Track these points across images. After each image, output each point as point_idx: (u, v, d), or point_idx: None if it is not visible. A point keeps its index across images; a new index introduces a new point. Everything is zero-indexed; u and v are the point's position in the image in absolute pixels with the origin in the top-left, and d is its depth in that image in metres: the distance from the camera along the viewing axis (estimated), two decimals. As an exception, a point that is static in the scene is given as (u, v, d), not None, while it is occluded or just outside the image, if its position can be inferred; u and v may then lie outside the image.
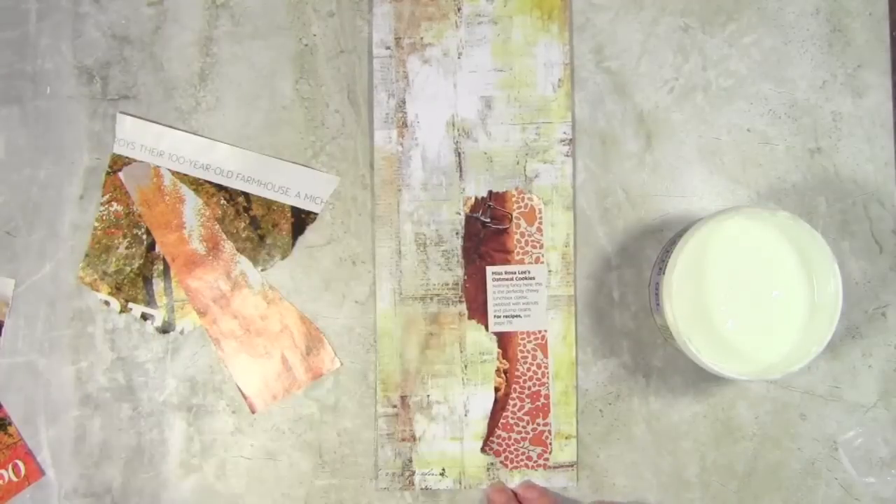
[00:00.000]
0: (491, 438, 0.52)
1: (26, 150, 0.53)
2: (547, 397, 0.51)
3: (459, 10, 0.52)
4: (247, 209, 0.53)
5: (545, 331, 0.52)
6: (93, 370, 0.52)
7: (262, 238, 0.53)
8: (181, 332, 0.53)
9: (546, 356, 0.52)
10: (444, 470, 0.52)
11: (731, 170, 0.52)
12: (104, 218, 0.53)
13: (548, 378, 0.52)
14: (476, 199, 0.52)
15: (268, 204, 0.53)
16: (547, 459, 0.51)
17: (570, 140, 0.52)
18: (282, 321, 0.53)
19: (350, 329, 0.52)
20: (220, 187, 0.53)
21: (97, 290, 0.53)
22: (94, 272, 0.53)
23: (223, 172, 0.53)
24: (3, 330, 0.52)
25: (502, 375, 0.52)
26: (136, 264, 0.53)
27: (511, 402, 0.52)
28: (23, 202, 0.53)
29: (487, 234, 0.52)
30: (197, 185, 0.53)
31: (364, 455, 0.52)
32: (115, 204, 0.53)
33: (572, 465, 0.51)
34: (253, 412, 0.52)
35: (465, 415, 0.52)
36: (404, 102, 0.52)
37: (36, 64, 0.53)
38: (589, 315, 0.52)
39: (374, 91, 0.53)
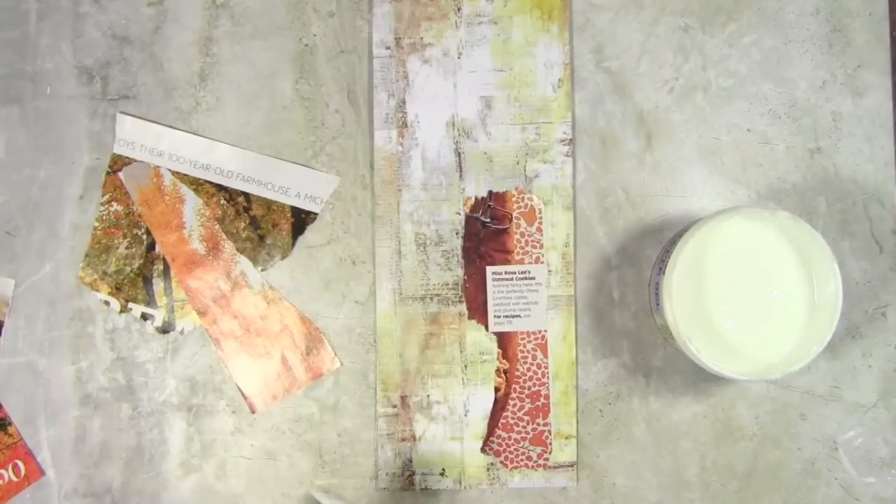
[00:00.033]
0: (491, 438, 0.52)
1: (26, 150, 0.53)
2: (547, 397, 0.51)
3: (459, 10, 0.53)
4: (247, 209, 0.53)
5: (545, 331, 0.52)
6: (93, 370, 0.52)
7: (262, 238, 0.53)
8: (181, 332, 0.53)
9: (546, 356, 0.52)
10: (444, 470, 0.52)
11: (731, 170, 0.52)
12: (104, 218, 0.53)
13: (548, 378, 0.52)
14: (476, 199, 0.52)
15: (268, 204, 0.53)
16: (547, 459, 0.51)
17: (570, 140, 0.52)
18: (282, 321, 0.53)
19: (350, 329, 0.52)
20: (220, 187, 0.53)
21: (97, 290, 0.53)
22: (94, 272, 0.53)
23: (223, 172, 0.53)
24: (3, 330, 0.53)
25: (502, 375, 0.52)
26: (136, 264, 0.53)
27: (511, 402, 0.52)
28: (23, 202, 0.53)
29: (487, 234, 0.52)
30: (197, 185, 0.53)
31: (364, 455, 0.52)
32: (115, 204, 0.53)
33: (572, 465, 0.51)
34: (253, 412, 0.52)
35: (465, 415, 0.52)
36: (404, 102, 0.52)
37: (36, 64, 0.53)
38: (589, 315, 0.52)
39: (374, 91, 0.53)
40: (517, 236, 0.52)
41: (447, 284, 0.52)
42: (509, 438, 0.52)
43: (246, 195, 0.53)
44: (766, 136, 0.52)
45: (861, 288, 0.51)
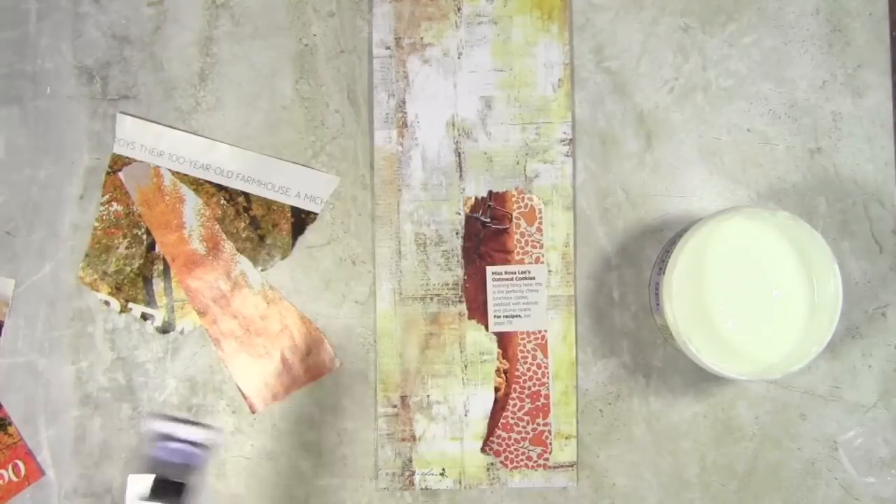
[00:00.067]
0: (491, 438, 0.52)
1: (26, 150, 0.53)
2: (547, 397, 0.51)
3: (459, 10, 0.53)
4: (247, 209, 0.53)
5: (545, 331, 0.52)
6: (93, 370, 0.52)
7: (262, 238, 0.53)
8: (181, 332, 0.53)
9: (546, 356, 0.52)
10: (444, 470, 0.52)
11: (731, 170, 0.52)
12: (104, 218, 0.53)
13: (548, 378, 0.52)
14: (476, 199, 0.52)
15: (268, 204, 0.53)
16: (547, 459, 0.51)
17: (570, 140, 0.52)
18: (282, 321, 0.53)
19: (350, 329, 0.52)
20: (220, 187, 0.53)
21: (97, 290, 0.53)
22: (94, 272, 0.53)
23: (223, 172, 0.53)
24: (3, 330, 0.53)
25: (502, 375, 0.52)
26: (136, 264, 0.53)
27: (511, 402, 0.52)
28: (23, 202, 0.53)
29: (487, 234, 0.52)
30: (197, 185, 0.53)
31: (364, 455, 0.52)
32: (115, 204, 0.53)
33: (572, 465, 0.51)
34: (253, 412, 0.52)
35: (465, 415, 0.52)
36: (404, 102, 0.52)
37: (36, 64, 0.53)
38: (589, 315, 0.52)
39: (374, 91, 0.53)
40: (517, 236, 0.52)
41: (447, 284, 0.52)
42: (509, 438, 0.52)
43: (246, 195, 0.53)
44: (766, 136, 0.52)
45: (861, 288, 0.51)
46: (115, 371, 0.52)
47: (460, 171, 0.52)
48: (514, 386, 0.52)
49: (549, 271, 0.52)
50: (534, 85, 0.52)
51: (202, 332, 0.53)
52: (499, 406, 0.52)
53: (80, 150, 0.53)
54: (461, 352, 0.52)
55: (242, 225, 0.53)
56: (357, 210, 0.53)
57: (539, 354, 0.52)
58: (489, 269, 0.52)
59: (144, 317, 0.53)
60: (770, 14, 0.52)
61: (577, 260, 0.52)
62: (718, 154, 0.52)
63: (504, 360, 0.52)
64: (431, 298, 0.52)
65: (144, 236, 0.53)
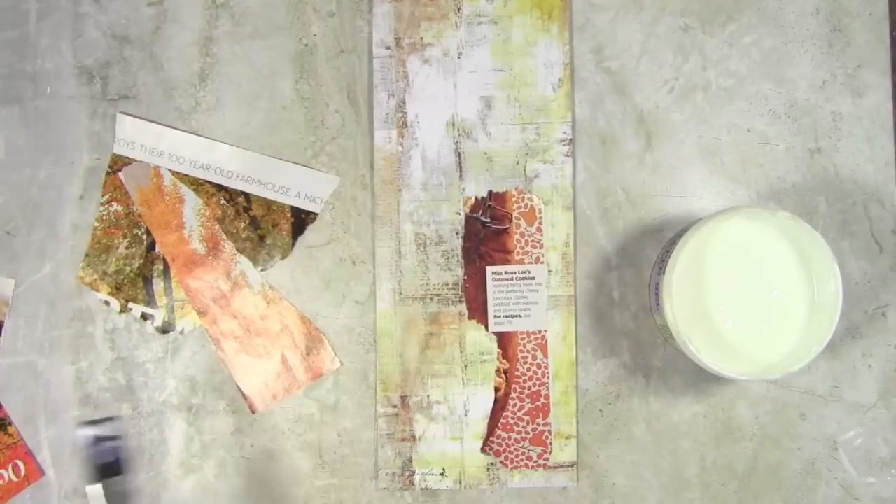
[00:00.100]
0: (491, 438, 0.52)
1: (26, 150, 0.53)
2: (547, 397, 0.51)
3: (459, 10, 0.53)
4: (247, 209, 0.53)
5: (545, 331, 0.52)
6: (93, 370, 0.52)
7: (262, 238, 0.53)
8: (181, 332, 0.53)
9: (546, 356, 0.52)
10: (444, 470, 0.52)
11: (731, 170, 0.52)
12: (104, 218, 0.53)
13: (548, 378, 0.52)
14: (476, 199, 0.52)
15: (268, 204, 0.53)
16: (547, 459, 0.51)
17: (570, 140, 0.52)
18: (282, 321, 0.53)
19: (350, 329, 0.52)
20: (220, 187, 0.53)
21: (97, 290, 0.53)
22: (94, 272, 0.53)
23: (223, 172, 0.53)
24: (3, 330, 0.53)
25: (502, 375, 0.52)
26: (136, 264, 0.53)
27: (511, 402, 0.52)
28: (23, 202, 0.53)
29: (487, 234, 0.52)
30: (197, 185, 0.53)
31: (364, 455, 0.52)
32: (115, 204, 0.53)
33: (572, 465, 0.51)
34: (253, 412, 0.52)
35: (465, 415, 0.52)
36: (404, 102, 0.52)
37: (36, 64, 0.53)
38: (589, 315, 0.52)
39: (374, 91, 0.53)
40: (517, 236, 0.52)
41: (447, 284, 0.52)
42: (509, 438, 0.52)
43: (246, 195, 0.53)
44: (766, 136, 0.52)
45: (861, 288, 0.51)
46: (115, 371, 0.52)
47: (460, 171, 0.52)
48: (514, 386, 0.52)
49: (549, 271, 0.52)
50: (534, 85, 0.52)
51: (202, 332, 0.53)
52: (499, 406, 0.52)
53: (80, 150, 0.53)
54: (461, 352, 0.52)
55: (242, 225, 0.53)
56: (357, 210, 0.53)
57: (539, 354, 0.52)
58: (489, 269, 0.52)
59: (144, 317, 0.53)
60: (770, 14, 0.52)
61: (577, 260, 0.52)
62: (718, 154, 0.52)
63: (504, 360, 0.52)
64: (431, 298, 0.52)
65: (144, 236, 0.53)
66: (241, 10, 0.53)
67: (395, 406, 0.52)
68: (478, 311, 0.52)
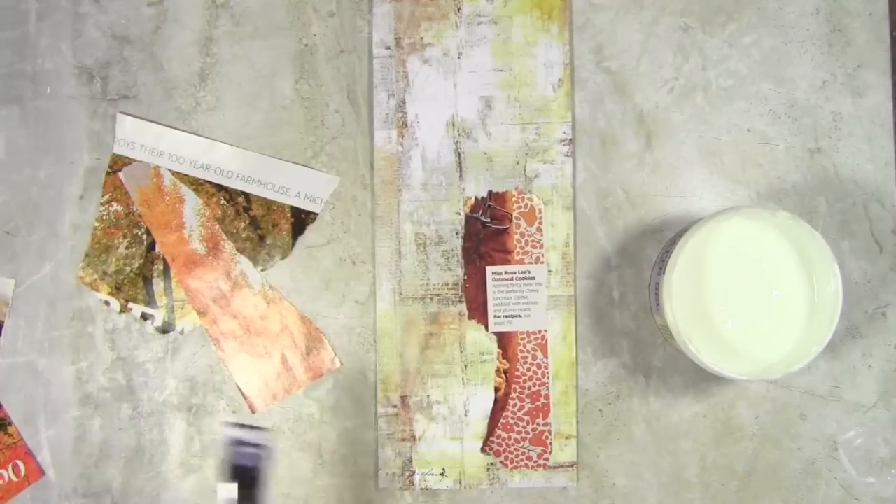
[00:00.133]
0: (491, 438, 0.52)
1: (26, 150, 0.53)
2: (547, 397, 0.51)
3: (459, 10, 0.53)
4: (247, 209, 0.53)
5: (545, 331, 0.52)
6: (93, 370, 0.52)
7: (262, 238, 0.53)
8: (181, 332, 0.53)
9: (546, 356, 0.52)
10: (444, 470, 0.52)
11: (731, 170, 0.52)
12: (104, 218, 0.53)
13: (548, 378, 0.52)
14: (476, 199, 0.52)
15: (268, 204, 0.53)
16: (547, 459, 0.51)
17: (570, 140, 0.52)
18: (282, 321, 0.53)
19: (350, 329, 0.52)
20: (220, 187, 0.53)
21: (97, 290, 0.53)
22: (94, 272, 0.53)
23: (223, 172, 0.53)
24: (3, 330, 0.53)
25: (502, 375, 0.52)
26: (136, 264, 0.53)
27: (511, 402, 0.52)
28: (23, 202, 0.53)
29: (487, 234, 0.52)
30: (197, 185, 0.53)
31: (364, 455, 0.52)
32: (115, 204, 0.53)
33: (572, 465, 0.51)
34: (253, 412, 0.52)
35: (465, 415, 0.52)
36: (404, 102, 0.52)
37: (36, 64, 0.53)
38: (589, 315, 0.52)
39: (374, 91, 0.53)
40: (517, 236, 0.52)
41: (447, 284, 0.52)
42: (509, 438, 0.52)
43: (246, 195, 0.53)
44: (766, 136, 0.52)
45: (861, 288, 0.51)
46: (115, 371, 0.52)
47: (460, 171, 0.52)
48: (514, 386, 0.52)
49: (549, 271, 0.52)
50: (534, 85, 0.52)
51: (202, 332, 0.53)
52: (499, 406, 0.52)
53: (80, 150, 0.53)
54: (461, 352, 0.52)
55: (242, 225, 0.53)
56: (357, 210, 0.53)
57: (539, 354, 0.52)
58: (489, 269, 0.52)
59: (144, 317, 0.53)
60: (770, 14, 0.52)
61: (577, 260, 0.52)
62: (718, 154, 0.52)
63: (504, 360, 0.52)
64: (431, 298, 0.52)
65: (144, 236, 0.53)
66: (241, 10, 0.53)
67: (395, 406, 0.52)
68: (478, 311, 0.52)
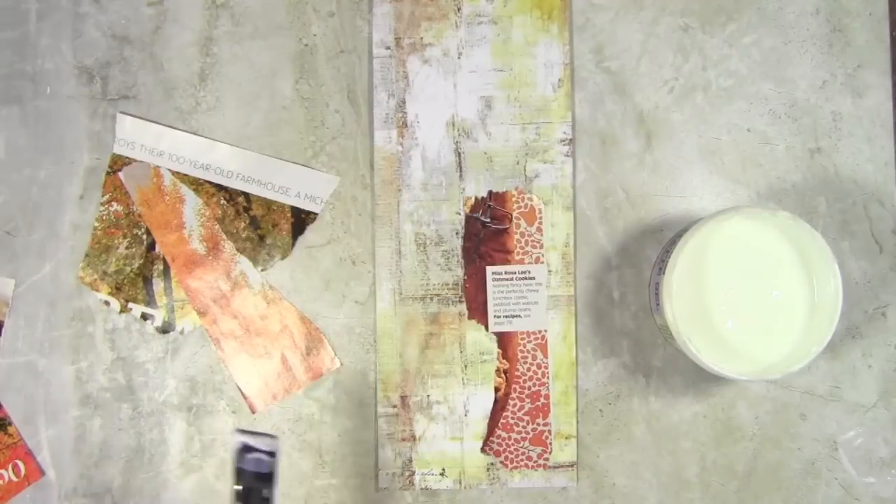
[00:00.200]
0: (491, 438, 0.52)
1: (26, 150, 0.53)
2: (547, 397, 0.51)
3: (459, 10, 0.53)
4: (247, 209, 0.53)
5: (545, 331, 0.52)
6: (93, 370, 0.52)
7: (262, 238, 0.53)
8: (181, 332, 0.53)
9: (546, 356, 0.52)
10: (444, 470, 0.52)
11: (731, 170, 0.52)
12: (104, 218, 0.53)
13: (548, 378, 0.52)
14: (476, 199, 0.52)
15: (268, 204, 0.53)
16: (547, 459, 0.51)
17: (570, 140, 0.52)
18: (282, 321, 0.53)
19: (350, 329, 0.52)
20: (220, 187, 0.53)
21: (97, 290, 0.53)
22: (94, 272, 0.53)
23: (223, 172, 0.53)
24: (3, 330, 0.53)
25: (502, 375, 0.52)
26: (136, 264, 0.53)
27: (511, 402, 0.52)
28: (23, 202, 0.53)
29: (487, 234, 0.52)
30: (197, 185, 0.53)
31: (364, 455, 0.52)
32: (115, 204, 0.53)
33: (572, 465, 0.51)
34: (253, 412, 0.52)
35: (465, 415, 0.52)
36: (404, 102, 0.52)
37: (36, 64, 0.53)
38: (589, 315, 0.52)
39: (374, 91, 0.53)
40: (517, 236, 0.52)
41: (447, 284, 0.52)
42: (509, 438, 0.52)
43: (246, 195, 0.53)
44: (766, 136, 0.52)
45: (861, 288, 0.51)
46: (115, 371, 0.52)
47: (460, 171, 0.52)
48: (514, 386, 0.52)
49: (549, 271, 0.52)
50: (534, 85, 0.52)
51: (202, 332, 0.53)
52: (499, 406, 0.52)
53: (80, 150, 0.53)
54: (461, 352, 0.52)
55: (242, 225, 0.53)
56: (357, 210, 0.53)
57: (539, 354, 0.52)
58: (489, 269, 0.52)
59: (144, 317, 0.53)
60: (770, 14, 0.52)
61: (577, 260, 0.52)
62: (718, 154, 0.52)
63: (504, 360, 0.52)
64: (431, 298, 0.52)
65: (144, 236, 0.53)
66: (241, 10, 0.53)
67: (395, 406, 0.52)
68: (478, 311, 0.52)
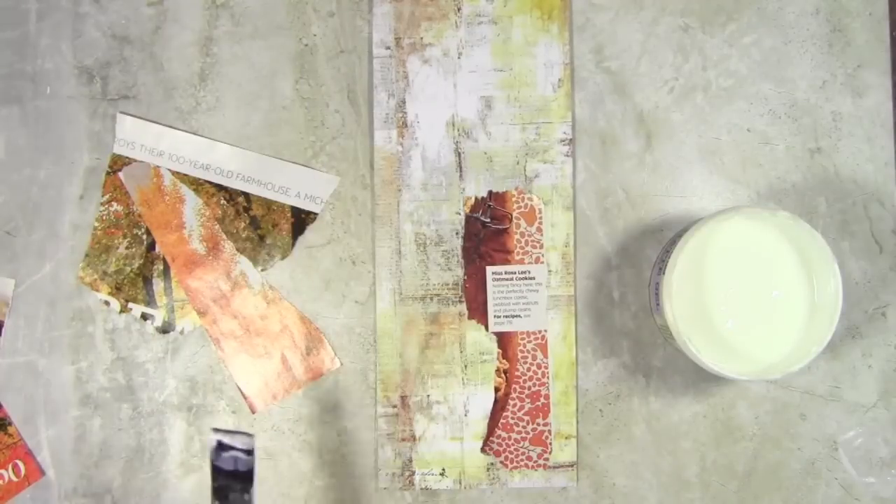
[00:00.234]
0: (491, 438, 0.52)
1: (26, 150, 0.53)
2: (547, 397, 0.51)
3: (459, 10, 0.53)
4: (247, 209, 0.53)
5: (545, 331, 0.52)
6: (93, 370, 0.52)
7: (262, 238, 0.53)
8: (181, 332, 0.53)
9: (546, 356, 0.52)
10: (444, 470, 0.52)
11: (731, 170, 0.52)
12: (104, 218, 0.53)
13: (548, 378, 0.52)
14: (476, 199, 0.52)
15: (268, 204, 0.53)
16: (547, 459, 0.51)
17: (570, 140, 0.52)
18: (282, 321, 0.53)
19: (350, 329, 0.52)
20: (220, 187, 0.53)
21: (97, 290, 0.53)
22: (94, 272, 0.53)
23: (223, 172, 0.53)
24: (3, 330, 0.53)
25: (502, 375, 0.52)
26: (136, 264, 0.53)
27: (511, 402, 0.52)
28: (23, 202, 0.53)
29: (487, 234, 0.52)
30: (197, 185, 0.53)
31: (364, 455, 0.52)
32: (115, 204, 0.53)
33: (572, 465, 0.51)
34: (253, 412, 0.52)
35: (465, 415, 0.52)
36: (404, 102, 0.52)
37: (36, 64, 0.53)
38: (589, 315, 0.52)
39: (374, 91, 0.53)
40: (517, 236, 0.52)
41: (447, 284, 0.52)
42: (509, 438, 0.52)
43: (246, 195, 0.53)
44: (766, 136, 0.52)
45: (861, 288, 0.51)
46: (115, 371, 0.52)
47: (460, 171, 0.52)
48: (514, 386, 0.52)
49: (549, 271, 0.52)
50: (534, 85, 0.52)
51: (202, 332, 0.53)
52: (499, 406, 0.52)
53: (80, 150, 0.53)
54: (461, 352, 0.52)
55: (242, 225, 0.53)
56: (357, 210, 0.53)
57: (539, 354, 0.52)
58: (489, 269, 0.52)
59: (144, 317, 0.53)
60: (770, 14, 0.52)
61: (577, 260, 0.52)
62: (718, 154, 0.52)
63: (504, 360, 0.52)
64: (431, 298, 0.52)
65: (144, 236, 0.53)
66: (241, 10, 0.53)
67: (395, 406, 0.52)
68: (478, 311, 0.52)
